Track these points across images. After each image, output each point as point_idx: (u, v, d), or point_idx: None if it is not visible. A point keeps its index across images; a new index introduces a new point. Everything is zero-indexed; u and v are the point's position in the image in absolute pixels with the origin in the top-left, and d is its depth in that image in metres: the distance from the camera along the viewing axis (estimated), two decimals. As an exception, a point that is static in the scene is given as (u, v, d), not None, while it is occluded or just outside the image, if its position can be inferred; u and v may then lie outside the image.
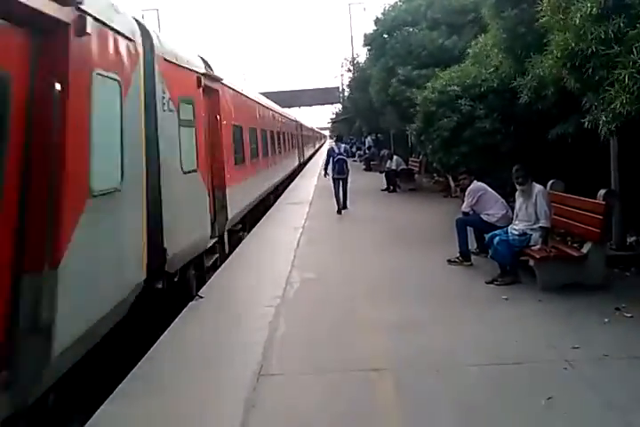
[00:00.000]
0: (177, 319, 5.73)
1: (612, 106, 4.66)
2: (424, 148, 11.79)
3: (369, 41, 18.42)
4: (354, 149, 33.36)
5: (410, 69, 14.77)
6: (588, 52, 4.85)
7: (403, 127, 18.06)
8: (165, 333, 5.32)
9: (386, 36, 16.52)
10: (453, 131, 9.80)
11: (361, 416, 3.64)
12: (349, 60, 32.74)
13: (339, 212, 12.71)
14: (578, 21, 4.90)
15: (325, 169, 14.52)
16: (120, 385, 4.17)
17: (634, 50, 4.47)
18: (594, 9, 4.75)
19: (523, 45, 7.47)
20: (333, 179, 13.11)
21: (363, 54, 28.90)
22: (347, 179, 13.22)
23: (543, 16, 5.76)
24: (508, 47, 7.99)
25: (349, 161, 14.48)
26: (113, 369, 4.44)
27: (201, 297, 6.45)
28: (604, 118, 4.94)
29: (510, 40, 7.81)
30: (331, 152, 13.39)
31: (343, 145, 13.86)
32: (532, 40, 6.99)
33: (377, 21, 17.77)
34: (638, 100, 4.47)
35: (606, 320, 5.04)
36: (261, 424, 3.61)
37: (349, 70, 31.86)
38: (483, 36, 10.49)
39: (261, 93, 17.46)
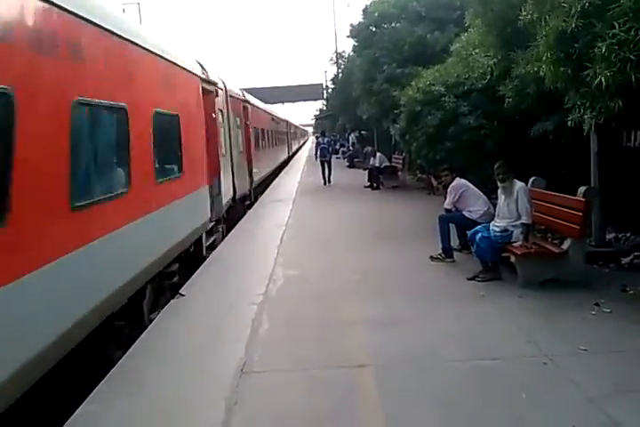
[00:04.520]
0: (158, 317, 5.70)
1: (595, 82, 4.69)
2: (408, 145, 11.86)
3: (356, 33, 18.32)
4: (337, 146, 33.04)
5: (394, 67, 14.80)
6: (569, 30, 4.91)
7: (384, 123, 18.14)
8: (146, 331, 5.29)
9: (373, 28, 16.46)
10: (437, 127, 9.84)
11: (344, 413, 3.64)
12: (334, 53, 32.47)
13: (324, 184, 18.37)
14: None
15: (316, 154, 20.45)
16: (100, 384, 4.13)
17: (615, 24, 4.52)
18: None
19: (506, 41, 7.51)
20: (320, 161, 19.23)
21: (347, 49, 28.90)
22: (330, 161, 19.01)
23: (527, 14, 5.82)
24: (493, 43, 8.03)
25: (330, 149, 20.55)
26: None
27: (182, 295, 6.40)
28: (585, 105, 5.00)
29: (494, 36, 7.85)
30: (317, 142, 20.92)
31: (326, 139, 20.56)
32: (517, 36, 7.03)
33: (365, 11, 17.63)
34: (618, 74, 4.50)
35: (585, 316, 5.11)
36: (243, 422, 3.59)
37: (334, 62, 31.54)
38: (466, 33, 10.54)
39: (245, 89, 17.57)
